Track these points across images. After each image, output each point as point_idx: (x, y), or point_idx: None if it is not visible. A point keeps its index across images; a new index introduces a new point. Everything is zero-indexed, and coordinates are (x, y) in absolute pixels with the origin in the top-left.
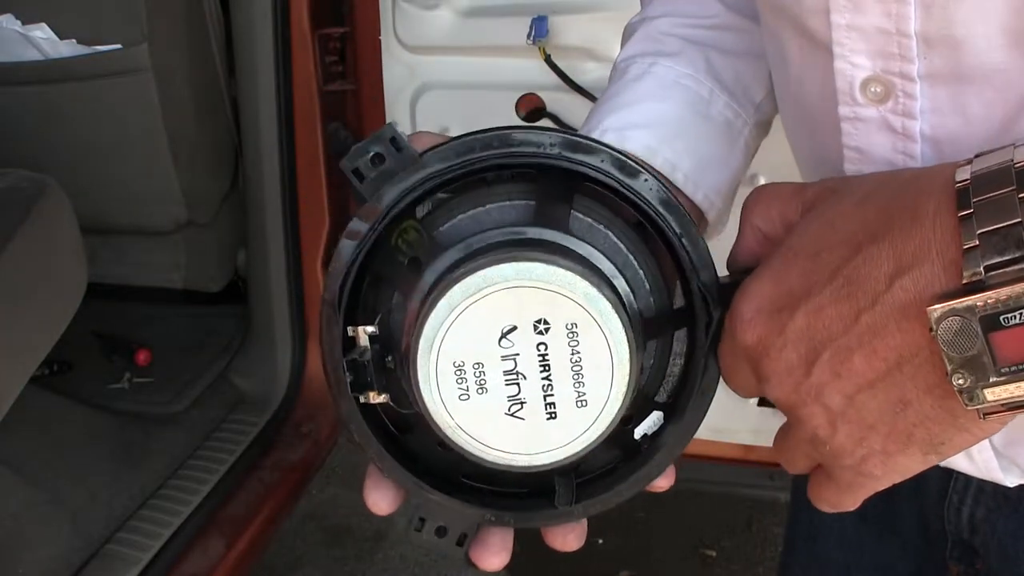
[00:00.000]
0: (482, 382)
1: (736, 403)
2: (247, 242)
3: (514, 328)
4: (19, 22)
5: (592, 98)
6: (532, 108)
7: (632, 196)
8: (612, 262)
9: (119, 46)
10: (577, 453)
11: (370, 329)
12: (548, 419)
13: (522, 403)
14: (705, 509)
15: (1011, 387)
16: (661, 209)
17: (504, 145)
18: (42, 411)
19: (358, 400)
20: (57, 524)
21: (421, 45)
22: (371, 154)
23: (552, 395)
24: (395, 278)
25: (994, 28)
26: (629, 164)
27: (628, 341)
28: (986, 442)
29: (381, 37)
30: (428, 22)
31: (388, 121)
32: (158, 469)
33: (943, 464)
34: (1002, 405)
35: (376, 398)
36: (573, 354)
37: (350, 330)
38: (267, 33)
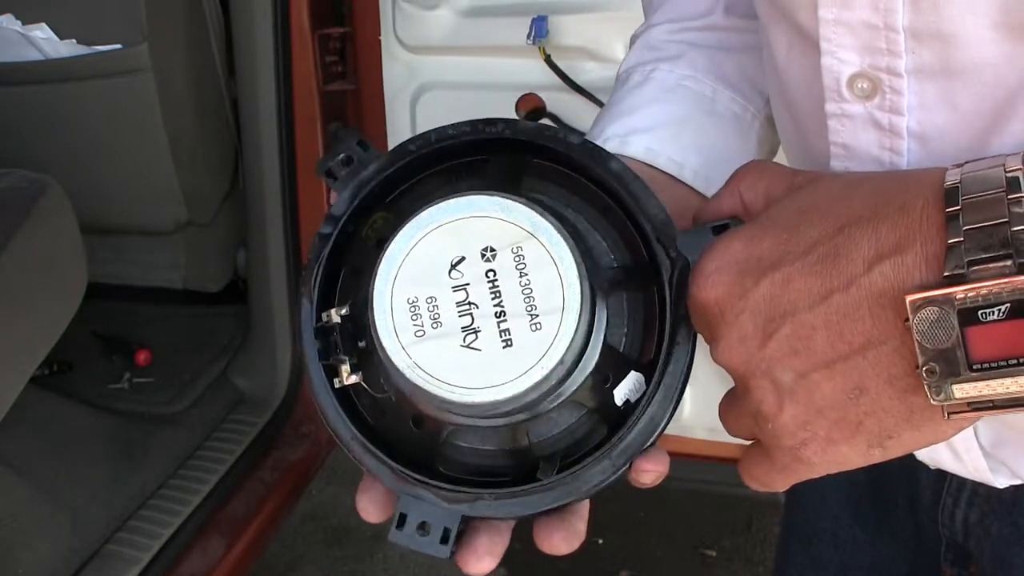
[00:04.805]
0: (435, 316)
1: None
2: (247, 242)
3: (462, 259)
4: (19, 22)
5: (592, 98)
6: (532, 108)
7: (564, 151)
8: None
9: (119, 46)
10: (539, 383)
11: (343, 311)
12: (504, 347)
13: (476, 332)
14: (705, 509)
15: (980, 385)
16: (594, 162)
17: (450, 138)
18: (42, 411)
19: (332, 384)
20: (57, 524)
21: (421, 45)
22: (341, 156)
23: (505, 321)
24: (366, 264)
25: (984, 22)
26: (570, 132)
27: (571, 250)
28: (974, 442)
29: (381, 37)
30: (428, 22)
31: (351, 126)
32: (158, 469)
33: (932, 465)
34: (968, 404)
35: (348, 378)
36: (521, 276)
37: (324, 315)
38: (267, 33)
